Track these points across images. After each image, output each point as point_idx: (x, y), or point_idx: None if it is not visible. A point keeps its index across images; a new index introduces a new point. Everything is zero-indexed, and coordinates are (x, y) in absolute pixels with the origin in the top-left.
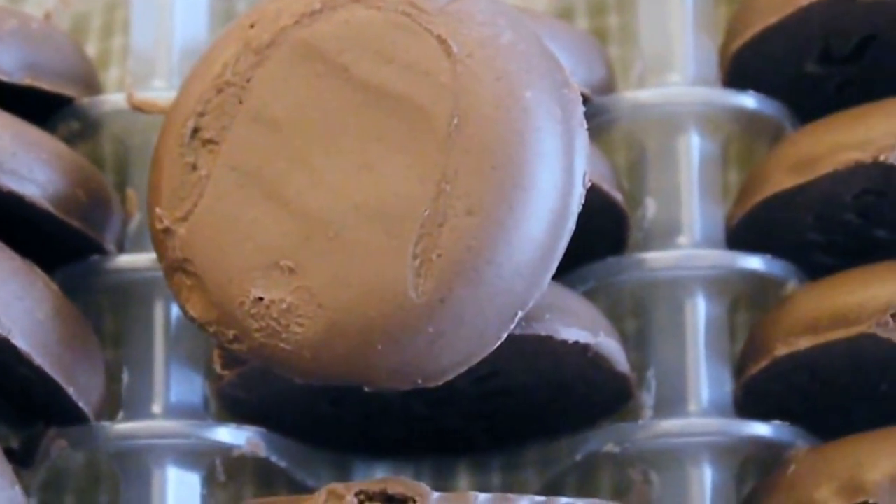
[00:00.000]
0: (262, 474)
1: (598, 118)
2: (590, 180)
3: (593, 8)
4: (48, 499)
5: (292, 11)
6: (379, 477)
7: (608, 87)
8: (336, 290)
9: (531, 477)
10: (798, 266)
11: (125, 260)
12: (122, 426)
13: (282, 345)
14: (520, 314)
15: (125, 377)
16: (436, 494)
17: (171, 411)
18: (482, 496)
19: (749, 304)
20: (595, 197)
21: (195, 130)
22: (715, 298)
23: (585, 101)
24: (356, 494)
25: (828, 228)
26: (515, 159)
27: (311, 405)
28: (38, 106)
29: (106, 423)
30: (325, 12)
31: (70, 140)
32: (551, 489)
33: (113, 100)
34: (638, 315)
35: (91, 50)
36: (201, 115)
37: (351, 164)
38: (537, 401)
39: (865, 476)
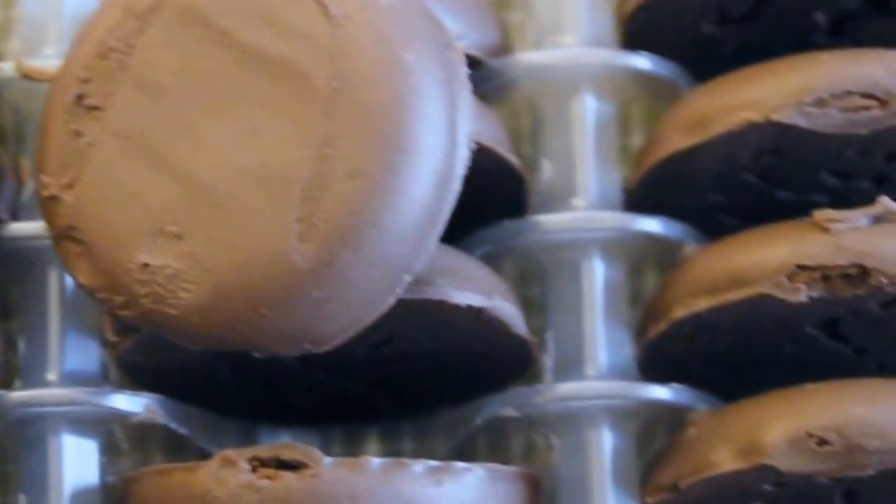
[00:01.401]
0: (171, 442)
1: (493, 81)
2: (483, 143)
3: None
4: None
5: None
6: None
7: (503, 50)
8: (221, 255)
9: (441, 443)
10: (702, 228)
11: (17, 228)
12: (17, 394)
13: (169, 310)
14: (407, 278)
15: (21, 346)
16: (329, 459)
17: (68, 379)
18: (376, 461)
19: (652, 267)
20: (490, 160)
21: (79, 97)
22: (612, 261)
23: (478, 64)
24: (249, 461)
25: (728, 189)
26: (397, 122)
27: (212, 372)
28: None
29: (2, 393)
30: None
31: None
32: (461, 454)
33: (6, 68)
34: (536, 279)
35: None
36: (85, 81)
37: (234, 130)
38: (440, 367)
39: (762, 438)
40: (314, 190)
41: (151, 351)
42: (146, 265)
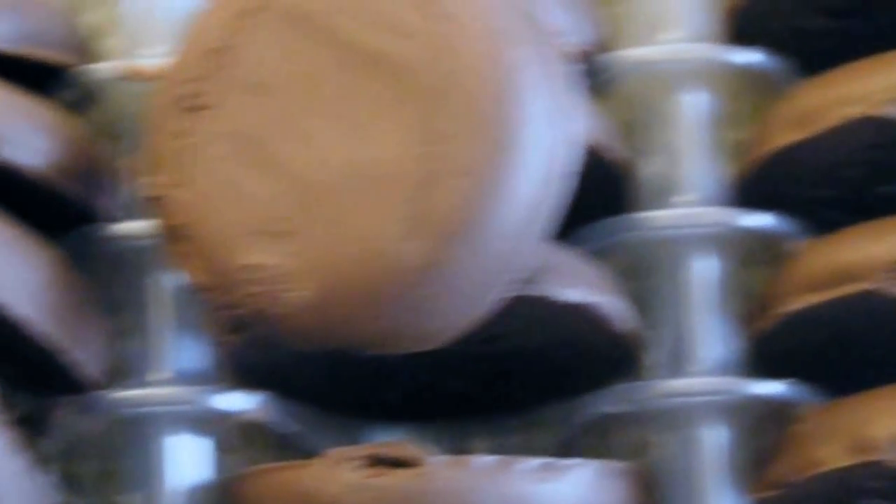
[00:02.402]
0: (276, 440)
1: (598, 77)
2: (588, 140)
3: None
4: (68, 467)
5: None
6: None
7: (607, 45)
8: (329, 254)
9: (548, 438)
10: (807, 223)
11: (124, 227)
12: (129, 394)
13: (277, 309)
14: (514, 275)
15: (130, 344)
16: (437, 457)
17: (176, 378)
18: (484, 458)
19: (759, 262)
20: (595, 157)
21: (186, 97)
22: (717, 256)
23: (583, 58)
24: (359, 459)
25: (835, 184)
26: (504, 118)
27: (318, 369)
28: (32, 76)
29: (112, 391)
30: None
31: (67, 110)
32: (566, 450)
33: (107, 68)
34: (641, 274)
35: (91, 18)
36: (192, 81)
37: (341, 128)
38: (545, 363)
39: (873, 433)
40: (422, 188)
41: (259, 349)
42: (255, 264)
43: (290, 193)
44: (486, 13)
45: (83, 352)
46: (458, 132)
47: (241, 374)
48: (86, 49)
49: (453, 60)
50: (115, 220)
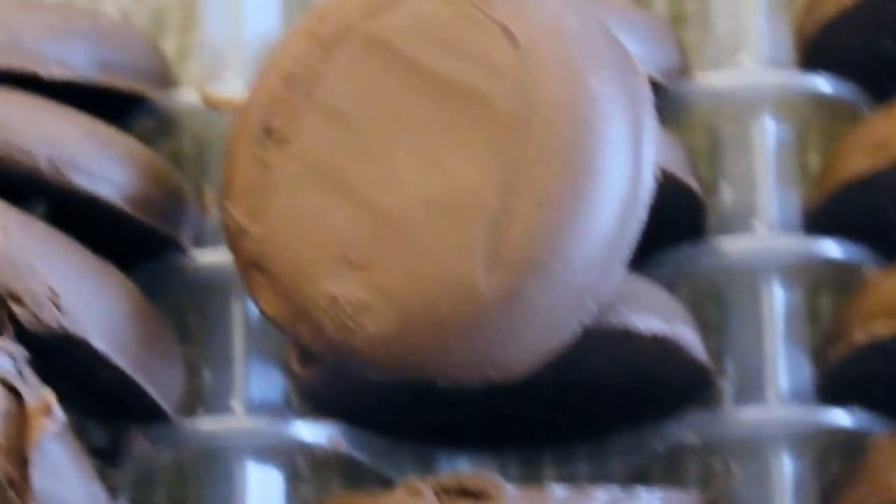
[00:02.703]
0: (350, 469)
1: (672, 103)
2: (663, 168)
3: None
4: (139, 496)
5: (360, 3)
6: (462, 469)
7: (682, 70)
8: (407, 285)
9: (617, 466)
10: (882, 250)
11: (202, 257)
12: (203, 424)
13: (355, 341)
14: (592, 306)
15: (205, 374)
16: (512, 488)
17: (252, 408)
18: (559, 489)
19: (830, 289)
20: (669, 184)
21: (266, 126)
22: (792, 284)
23: (658, 87)
24: (433, 489)
25: None
26: (583, 149)
27: (393, 398)
28: (113, 104)
29: (186, 422)
30: (393, 5)
31: (146, 138)
32: (637, 478)
33: (187, 97)
34: (716, 302)
35: (170, 45)
36: (271, 110)
37: (420, 158)
38: (617, 390)
39: None
40: (501, 219)
41: (335, 380)
42: (332, 296)
43: (367, 224)
44: (568, 42)
45: (159, 383)
46: (538, 162)
47: (316, 403)
48: (168, 76)
49: (534, 90)
50: (192, 249)
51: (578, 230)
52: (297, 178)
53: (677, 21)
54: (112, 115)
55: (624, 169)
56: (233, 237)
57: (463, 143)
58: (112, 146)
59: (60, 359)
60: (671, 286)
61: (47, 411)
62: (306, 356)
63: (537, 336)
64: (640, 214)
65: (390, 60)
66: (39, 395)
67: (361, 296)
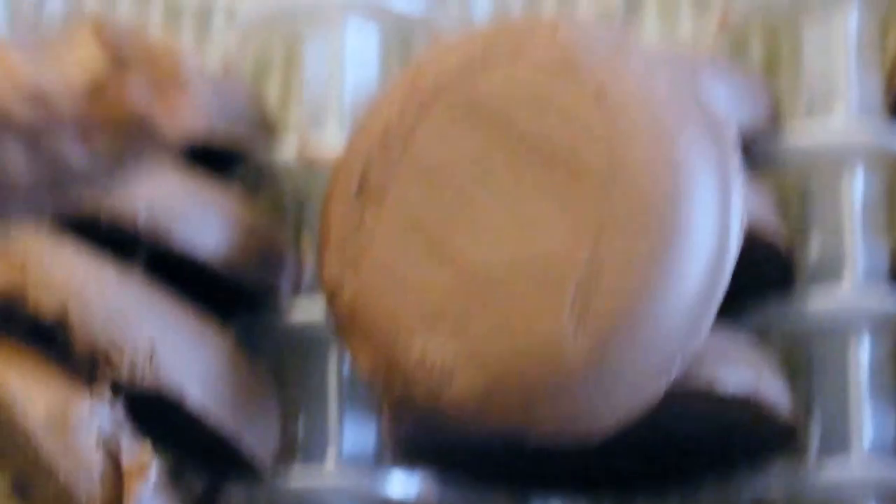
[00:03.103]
0: None
1: (763, 155)
2: (751, 221)
3: (767, 35)
4: None
5: (456, 63)
6: None
7: (773, 120)
8: (494, 346)
9: None
10: None
11: (299, 310)
12: (297, 476)
13: (444, 399)
14: (678, 364)
15: (301, 426)
16: None
17: (346, 460)
18: None
19: None
20: (755, 235)
21: (361, 184)
22: (879, 338)
23: (749, 144)
24: None
25: None
26: (670, 210)
27: (485, 448)
28: (217, 156)
29: (281, 473)
30: (487, 67)
31: (249, 187)
32: None
33: (288, 152)
34: (803, 353)
35: (273, 90)
36: (367, 168)
37: (509, 218)
38: (704, 442)
39: None
40: (589, 281)
41: (427, 432)
42: (421, 353)
43: (458, 284)
44: (658, 103)
45: (254, 435)
46: (626, 225)
47: (407, 455)
48: (271, 126)
49: (622, 151)
50: (290, 300)
51: (665, 292)
52: (390, 233)
53: (771, 65)
54: (215, 166)
55: (711, 229)
56: (328, 290)
57: (552, 203)
58: (209, 200)
59: (158, 412)
60: (759, 337)
61: (145, 470)
62: (398, 411)
63: (623, 396)
64: (727, 274)
65: (483, 120)
66: (137, 453)
67: (449, 355)
